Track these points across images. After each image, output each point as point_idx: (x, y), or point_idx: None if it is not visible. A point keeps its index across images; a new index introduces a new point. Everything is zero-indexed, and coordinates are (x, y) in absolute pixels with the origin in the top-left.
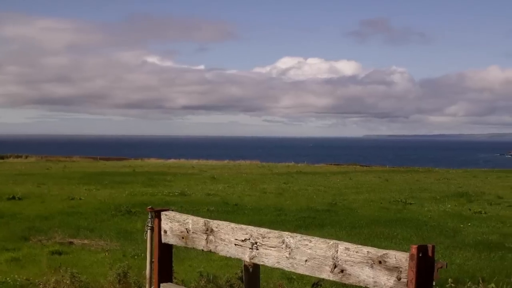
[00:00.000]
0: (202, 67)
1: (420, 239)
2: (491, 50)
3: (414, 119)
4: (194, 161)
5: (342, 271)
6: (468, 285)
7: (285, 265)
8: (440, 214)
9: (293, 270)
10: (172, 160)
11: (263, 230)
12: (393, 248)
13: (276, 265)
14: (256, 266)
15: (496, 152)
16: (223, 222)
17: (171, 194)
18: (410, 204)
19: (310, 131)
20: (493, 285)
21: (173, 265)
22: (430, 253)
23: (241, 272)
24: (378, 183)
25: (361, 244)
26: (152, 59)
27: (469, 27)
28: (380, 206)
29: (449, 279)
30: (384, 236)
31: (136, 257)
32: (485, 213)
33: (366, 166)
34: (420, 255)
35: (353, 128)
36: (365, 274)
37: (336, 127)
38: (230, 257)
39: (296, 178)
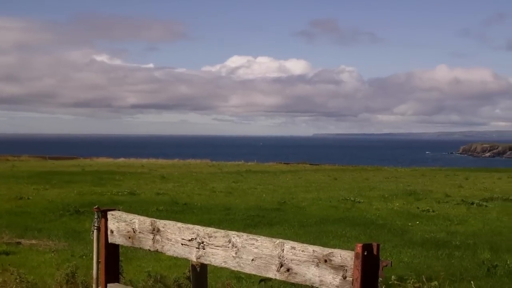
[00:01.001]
0: (151, 65)
1: (369, 238)
2: (439, 49)
3: (363, 118)
4: (144, 160)
5: (288, 270)
6: (412, 282)
7: (231, 264)
8: (389, 213)
9: (240, 270)
10: (121, 159)
11: (209, 230)
12: (341, 247)
13: (223, 265)
14: (203, 266)
15: (444, 151)
16: (170, 221)
17: (120, 194)
18: (359, 202)
19: (260, 130)
20: (435, 282)
21: (121, 265)
22: (375, 252)
23: (189, 271)
24: (327, 181)
25: (309, 243)
26: (101, 58)
27: (418, 27)
28: (329, 204)
29: (392, 277)
30: (333, 234)
31: (84, 257)
32: (433, 211)
33: (315, 164)
34: (365, 253)
35: (302, 127)
36: (311, 273)
37: (285, 126)
38: (178, 257)
39: (245, 177)
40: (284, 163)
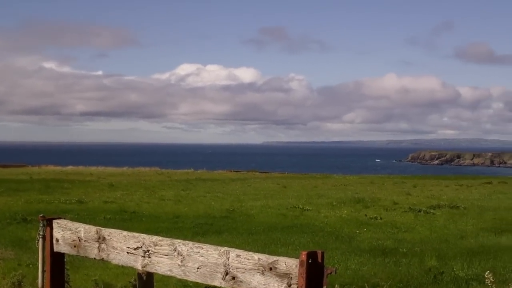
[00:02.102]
0: (100, 73)
1: (317, 245)
2: (388, 58)
3: (313, 126)
4: (93, 168)
5: (233, 278)
6: None
7: (177, 272)
8: (337, 220)
9: (186, 278)
10: (70, 167)
11: (155, 238)
12: (289, 255)
13: (169, 273)
14: (149, 274)
15: (393, 159)
16: (116, 230)
17: (68, 202)
18: (307, 210)
19: (209, 138)
20: None
21: (68, 273)
22: (319, 259)
23: (135, 280)
24: (276, 189)
25: (258, 251)
26: (50, 65)
27: (366, 35)
28: (277, 212)
29: (336, 286)
30: (281, 242)
31: (31, 266)
32: (381, 218)
33: (265, 172)
34: (310, 261)
35: (252, 135)
36: (256, 281)
37: (235, 134)
38: (124, 265)
39: (195, 185)
40: (233, 171)
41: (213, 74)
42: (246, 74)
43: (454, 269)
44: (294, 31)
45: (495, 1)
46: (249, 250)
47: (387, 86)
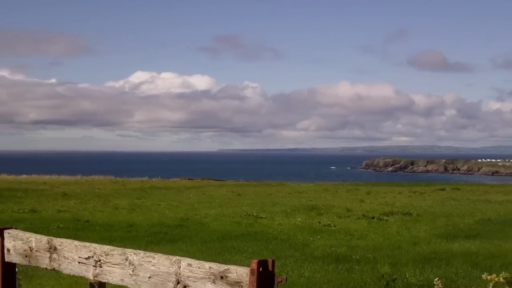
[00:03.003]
0: (53, 80)
1: (270, 253)
2: (341, 66)
3: (267, 134)
4: (46, 177)
5: (185, 287)
6: None
7: (129, 282)
8: (291, 228)
9: (137, 287)
10: (23, 176)
11: (106, 248)
12: (243, 263)
13: (120, 283)
14: (101, 284)
15: (348, 166)
16: (67, 240)
17: (21, 211)
18: (262, 218)
19: (164, 146)
20: None
21: (20, 283)
22: (270, 268)
23: None
24: (231, 197)
25: (212, 259)
26: (2, 73)
27: (320, 43)
28: (232, 220)
29: None
30: (235, 250)
31: None
32: (334, 226)
33: (219, 180)
34: (261, 269)
35: (207, 143)
36: None
37: (190, 142)
38: (75, 275)
39: (149, 193)
40: (188, 179)
41: (168, 81)
42: (201, 82)
43: (407, 276)
44: (248, 39)
45: (448, 9)
46: (203, 259)
47: (341, 94)
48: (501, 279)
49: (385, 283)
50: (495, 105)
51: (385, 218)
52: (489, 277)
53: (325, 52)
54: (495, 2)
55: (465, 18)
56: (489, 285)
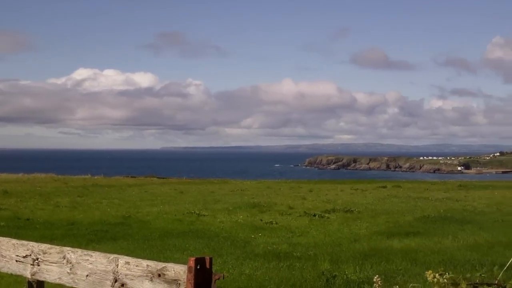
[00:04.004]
0: None
1: (212, 251)
2: (284, 63)
3: (211, 131)
4: None
5: (122, 285)
6: None
7: (66, 280)
8: (232, 225)
9: (75, 286)
10: None
11: (44, 246)
12: (184, 260)
13: (58, 281)
14: (39, 283)
15: (291, 163)
16: (4, 238)
17: None
18: (203, 215)
19: (107, 143)
20: None
21: None
22: (207, 265)
23: None
24: (173, 195)
25: (153, 257)
26: None
27: (264, 40)
28: (173, 218)
29: None
30: (177, 248)
31: None
32: (276, 223)
33: (162, 178)
34: (198, 267)
35: (150, 140)
36: (145, 287)
37: (133, 139)
38: (13, 274)
39: (91, 191)
40: (131, 177)
41: (110, 79)
42: (144, 79)
43: (346, 273)
44: (191, 36)
45: (390, 8)
46: (144, 257)
47: (285, 91)
48: (444, 280)
49: (325, 280)
50: (437, 103)
51: (326, 215)
52: (435, 279)
53: (268, 50)
54: (437, 2)
55: (407, 16)
56: (433, 281)
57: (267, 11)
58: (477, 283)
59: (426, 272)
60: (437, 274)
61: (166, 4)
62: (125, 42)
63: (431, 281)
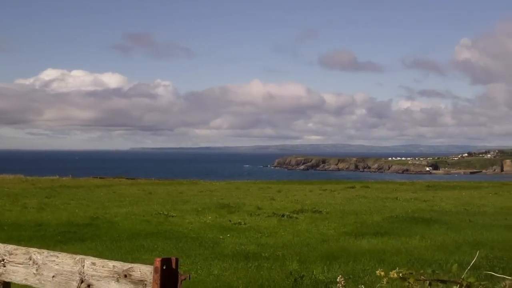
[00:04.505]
0: None
1: (180, 251)
2: (253, 65)
3: (180, 132)
4: None
5: (88, 286)
6: None
7: (33, 281)
8: (201, 226)
9: (41, 287)
10: None
11: (10, 247)
12: (152, 261)
13: (24, 282)
14: (6, 284)
15: (260, 164)
16: None
17: None
18: (172, 216)
19: (75, 144)
20: None
21: None
22: (173, 266)
23: None
24: (142, 195)
25: (121, 258)
26: None
27: (232, 42)
28: (142, 219)
29: None
30: (145, 249)
31: None
32: (245, 224)
33: (131, 179)
34: (164, 267)
35: (119, 141)
36: None
37: (101, 140)
38: None
39: (59, 192)
40: (99, 178)
41: (78, 79)
42: (112, 80)
43: (314, 273)
44: (159, 37)
45: (358, 9)
46: (112, 258)
47: (253, 93)
48: (396, 275)
49: (293, 280)
50: (405, 104)
51: (295, 215)
52: (382, 273)
53: (237, 51)
54: (405, 4)
55: (375, 18)
56: (382, 281)
57: (236, 12)
58: (427, 279)
59: (377, 271)
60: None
61: (134, 5)
62: (93, 43)
63: (378, 274)
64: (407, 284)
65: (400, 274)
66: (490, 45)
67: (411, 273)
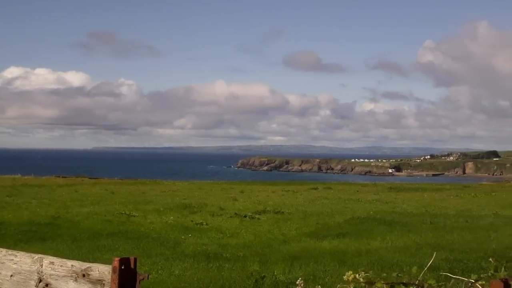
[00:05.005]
0: None
1: (141, 251)
2: (217, 64)
3: (143, 132)
4: None
5: (47, 285)
6: None
7: None
8: (163, 226)
9: None
10: None
11: None
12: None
13: None
14: None
15: (224, 165)
16: None
17: None
18: (134, 216)
19: (38, 143)
20: None
21: None
22: (132, 265)
23: None
24: (104, 195)
25: (82, 258)
26: None
27: (196, 41)
28: (103, 218)
29: None
30: (106, 249)
31: None
32: (207, 224)
33: (94, 178)
34: (123, 267)
35: (82, 140)
36: (70, 287)
37: (64, 139)
38: None
39: (21, 191)
40: (62, 177)
41: (42, 77)
42: (76, 78)
43: (275, 273)
44: (123, 35)
45: (322, 10)
46: (73, 257)
47: (217, 93)
48: (363, 279)
49: (254, 280)
50: (368, 106)
51: (257, 216)
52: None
53: (201, 51)
54: (369, 6)
55: (340, 19)
56: (348, 279)
57: (201, 11)
58: (394, 283)
59: (346, 273)
60: (356, 274)
61: (98, 4)
62: (57, 41)
63: (346, 279)
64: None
65: (361, 278)
66: (453, 48)
67: (379, 278)
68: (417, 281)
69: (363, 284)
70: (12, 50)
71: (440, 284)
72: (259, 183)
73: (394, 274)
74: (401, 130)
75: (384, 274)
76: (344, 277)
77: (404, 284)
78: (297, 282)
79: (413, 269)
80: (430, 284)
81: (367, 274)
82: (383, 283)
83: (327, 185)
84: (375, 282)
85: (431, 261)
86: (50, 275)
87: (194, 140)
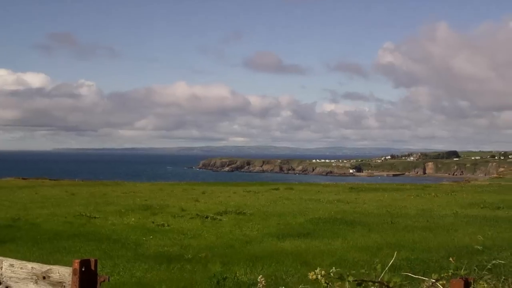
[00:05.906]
0: None
1: (102, 253)
2: (178, 66)
3: (103, 133)
4: None
5: (7, 287)
6: None
7: None
8: (124, 228)
9: None
10: None
11: None
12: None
13: None
14: None
15: (185, 166)
16: None
17: None
18: (95, 218)
19: None
20: None
21: None
22: (93, 267)
23: None
24: (64, 197)
25: (43, 260)
26: None
27: (157, 42)
28: (64, 220)
29: None
30: (67, 250)
31: None
32: (168, 225)
33: (55, 180)
34: (83, 269)
35: (41, 142)
36: None
37: (24, 141)
38: None
39: None
40: (22, 179)
41: (1, 79)
42: (35, 79)
43: (237, 274)
44: (82, 36)
45: (282, 12)
46: (34, 259)
47: (178, 94)
48: (333, 274)
49: (216, 282)
50: (329, 107)
51: (219, 217)
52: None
53: (161, 52)
54: (329, 7)
55: (299, 21)
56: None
57: (161, 12)
58: (363, 280)
59: (309, 273)
60: (322, 271)
61: (57, 5)
62: (16, 41)
63: (311, 278)
64: (340, 284)
65: (332, 274)
66: (413, 49)
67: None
68: (385, 280)
69: (334, 280)
70: None
71: (402, 283)
72: (220, 184)
73: (363, 271)
74: (362, 130)
75: (353, 271)
76: (309, 274)
77: (372, 282)
78: (259, 279)
79: (378, 266)
80: (395, 282)
81: (338, 270)
82: (352, 280)
83: (288, 186)
84: (345, 278)
85: (392, 261)
86: (10, 277)
87: (155, 141)
